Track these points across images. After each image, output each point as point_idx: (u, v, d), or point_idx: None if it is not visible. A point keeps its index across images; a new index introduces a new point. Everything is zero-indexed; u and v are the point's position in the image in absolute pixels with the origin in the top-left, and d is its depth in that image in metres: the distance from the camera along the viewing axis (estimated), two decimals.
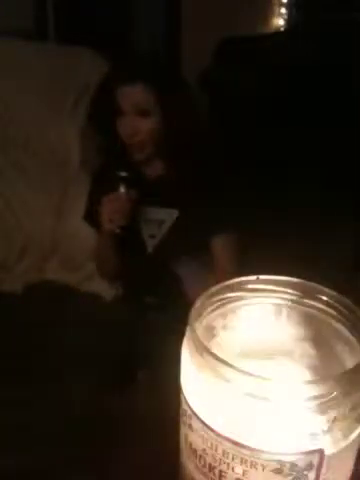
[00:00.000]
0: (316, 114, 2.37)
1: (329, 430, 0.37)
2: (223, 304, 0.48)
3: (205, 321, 0.46)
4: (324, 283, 0.47)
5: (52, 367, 1.26)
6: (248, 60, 2.62)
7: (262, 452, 0.38)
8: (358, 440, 0.40)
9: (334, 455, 0.39)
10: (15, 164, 2.02)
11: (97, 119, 1.50)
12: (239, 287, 0.48)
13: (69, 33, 2.72)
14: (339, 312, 0.45)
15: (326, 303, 0.46)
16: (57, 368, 1.26)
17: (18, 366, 1.28)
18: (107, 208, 1.39)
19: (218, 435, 0.39)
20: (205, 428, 0.40)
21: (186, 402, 0.42)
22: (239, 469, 0.39)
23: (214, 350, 0.39)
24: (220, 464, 0.40)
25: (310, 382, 0.41)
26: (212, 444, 0.40)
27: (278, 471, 0.38)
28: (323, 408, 0.37)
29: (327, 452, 0.38)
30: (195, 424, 0.41)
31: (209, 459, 0.41)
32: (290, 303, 0.48)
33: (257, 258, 1.23)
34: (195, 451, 0.42)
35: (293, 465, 0.38)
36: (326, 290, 0.47)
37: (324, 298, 0.47)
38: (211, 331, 0.46)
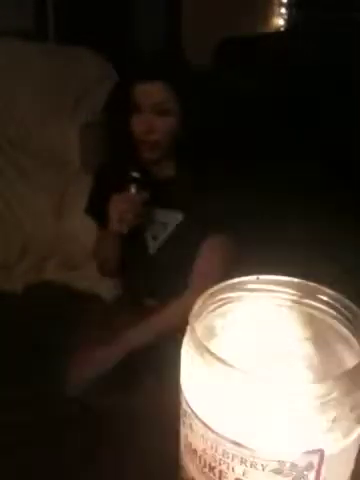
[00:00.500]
0: (316, 114, 2.37)
1: (329, 430, 0.37)
2: (223, 304, 0.48)
3: (205, 321, 0.46)
4: (324, 283, 0.47)
5: (52, 367, 1.26)
6: (248, 60, 2.62)
7: (262, 452, 0.38)
8: (358, 440, 0.40)
9: (334, 455, 0.39)
10: (15, 164, 2.02)
11: (112, 114, 1.48)
12: (239, 287, 0.48)
13: (69, 33, 2.72)
14: (339, 312, 0.45)
15: (326, 303, 0.46)
16: (57, 368, 1.26)
17: (18, 366, 1.28)
18: (118, 208, 1.36)
19: (218, 435, 0.39)
20: (205, 428, 0.40)
21: (186, 402, 0.42)
22: (239, 469, 0.39)
23: (214, 350, 0.39)
24: (220, 464, 0.40)
25: (310, 382, 0.41)
26: (212, 444, 0.40)
27: (278, 471, 0.38)
28: (323, 408, 0.37)
29: (327, 452, 0.38)
30: (195, 424, 0.41)
31: (209, 459, 0.41)
32: (290, 303, 0.48)
33: (257, 258, 1.23)
34: (195, 451, 0.42)
35: (293, 465, 0.38)
36: (326, 290, 0.47)
37: (324, 298, 0.47)
38: (211, 331, 0.46)
